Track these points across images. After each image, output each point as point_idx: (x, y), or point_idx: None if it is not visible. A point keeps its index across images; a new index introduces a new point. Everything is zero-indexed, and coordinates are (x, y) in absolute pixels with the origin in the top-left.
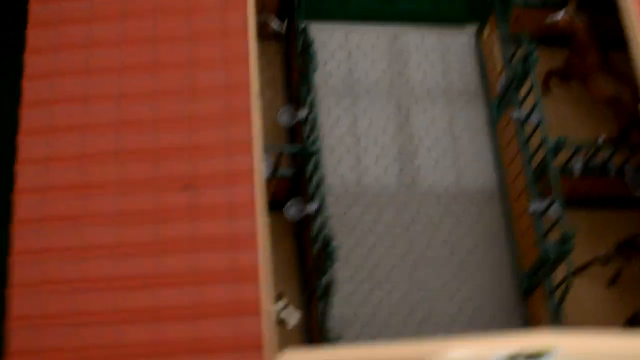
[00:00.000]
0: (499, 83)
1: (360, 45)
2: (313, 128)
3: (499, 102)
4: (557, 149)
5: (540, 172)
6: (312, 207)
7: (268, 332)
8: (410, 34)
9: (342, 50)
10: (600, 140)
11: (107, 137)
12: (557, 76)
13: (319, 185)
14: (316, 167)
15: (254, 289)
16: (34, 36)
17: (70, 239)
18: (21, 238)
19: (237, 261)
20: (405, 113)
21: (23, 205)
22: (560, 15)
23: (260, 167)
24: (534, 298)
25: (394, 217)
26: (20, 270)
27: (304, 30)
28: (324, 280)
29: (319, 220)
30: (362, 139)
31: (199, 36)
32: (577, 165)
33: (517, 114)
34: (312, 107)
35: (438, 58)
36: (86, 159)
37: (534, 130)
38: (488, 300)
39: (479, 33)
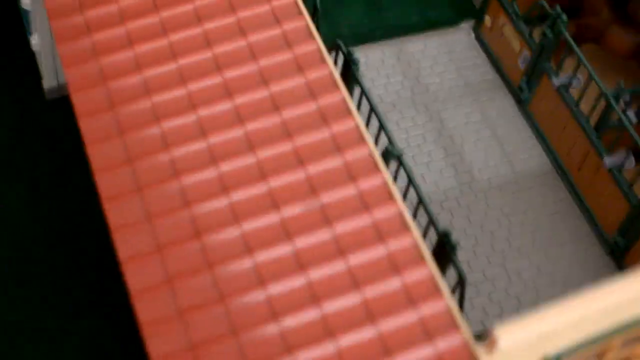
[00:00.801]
0: (521, 61)
1: (369, 63)
2: (385, 132)
3: (528, 80)
4: (617, 97)
5: (600, 129)
6: None
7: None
8: (412, 43)
9: None
10: (622, 85)
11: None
12: None
13: (412, 186)
14: (403, 168)
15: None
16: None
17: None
18: None
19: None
20: (437, 117)
21: None
22: None
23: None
24: (633, 253)
25: (466, 219)
26: None
27: (340, 48)
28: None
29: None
30: (407, 151)
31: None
32: (631, 113)
33: (559, 79)
34: (376, 113)
35: (446, 59)
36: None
37: (585, 89)
38: (586, 273)
39: (477, 26)
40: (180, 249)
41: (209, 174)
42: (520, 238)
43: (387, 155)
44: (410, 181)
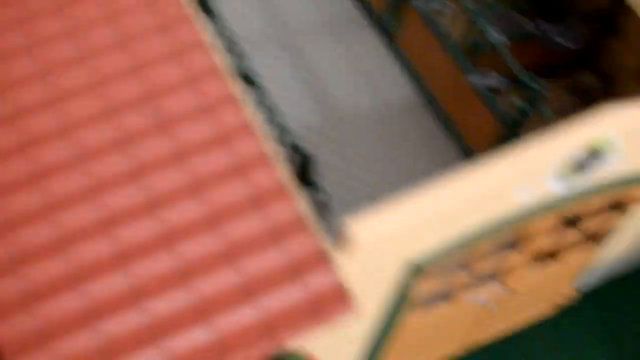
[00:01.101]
0: None
1: (223, 2)
2: (242, 63)
3: (392, 10)
4: (482, 15)
5: (467, 51)
6: None
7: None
8: None
9: None
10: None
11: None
12: None
13: (271, 112)
14: (255, 87)
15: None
16: None
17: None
18: None
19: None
20: (298, 53)
21: None
22: None
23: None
24: None
25: (332, 153)
26: None
27: None
28: (316, 202)
29: (285, 144)
30: (268, 87)
31: None
32: (499, 36)
33: (423, 5)
34: (231, 44)
35: None
36: None
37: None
38: None
39: None
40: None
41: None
42: (391, 169)
43: (243, 80)
44: (269, 108)
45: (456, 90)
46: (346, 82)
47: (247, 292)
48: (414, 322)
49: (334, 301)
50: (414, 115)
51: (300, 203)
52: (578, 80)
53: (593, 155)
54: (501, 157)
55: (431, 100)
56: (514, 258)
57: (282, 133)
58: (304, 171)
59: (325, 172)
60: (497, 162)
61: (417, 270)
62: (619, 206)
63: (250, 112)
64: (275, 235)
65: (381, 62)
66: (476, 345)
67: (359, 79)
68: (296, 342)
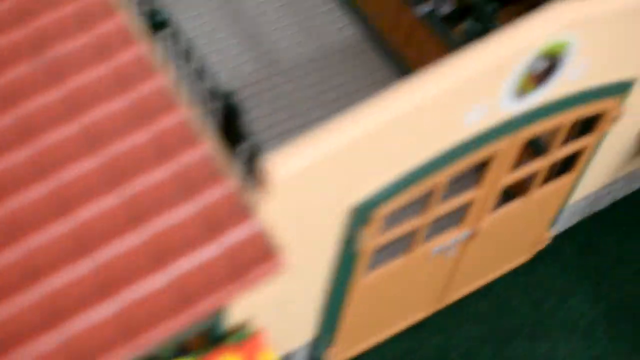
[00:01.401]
0: None
1: None
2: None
3: None
4: None
5: None
6: None
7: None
8: None
9: None
10: None
11: None
12: None
13: (187, 50)
14: (167, 26)
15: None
16: None
17: None
18: None
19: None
20: (229, 2)
21: None
22: None
23: None
24: None
25: (273, 103)
26: None
27: None
28: (245, 148)
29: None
30: (198, 40)
31: None
32: None
33: None
34: None
35: None
36: None
37: None
38: None
39: None
40: None
41: None
42: (338, 115)
43: (153, 23)
44: (194, 58)
45: (403, 24)
46: (283, 28)
47: (155, 256)
48: (370, 281)
49: (257, 258)
50: (359, 55)
51: (212, 148)
52: (534, 4)
53: (550, 63)
54: (441, 67)
55: (377, 38)
56: (476, 196)
57: (208, 83)
58: (232, 121)
59: (266, 124)
60: (438, 72)
61: (362, 216)
62: (589, 127)
63: (155, 52)
64: (184, 187)
65: (319, 4)
66: (447, 304)
67: (296, 22)
68: (241, 317)
